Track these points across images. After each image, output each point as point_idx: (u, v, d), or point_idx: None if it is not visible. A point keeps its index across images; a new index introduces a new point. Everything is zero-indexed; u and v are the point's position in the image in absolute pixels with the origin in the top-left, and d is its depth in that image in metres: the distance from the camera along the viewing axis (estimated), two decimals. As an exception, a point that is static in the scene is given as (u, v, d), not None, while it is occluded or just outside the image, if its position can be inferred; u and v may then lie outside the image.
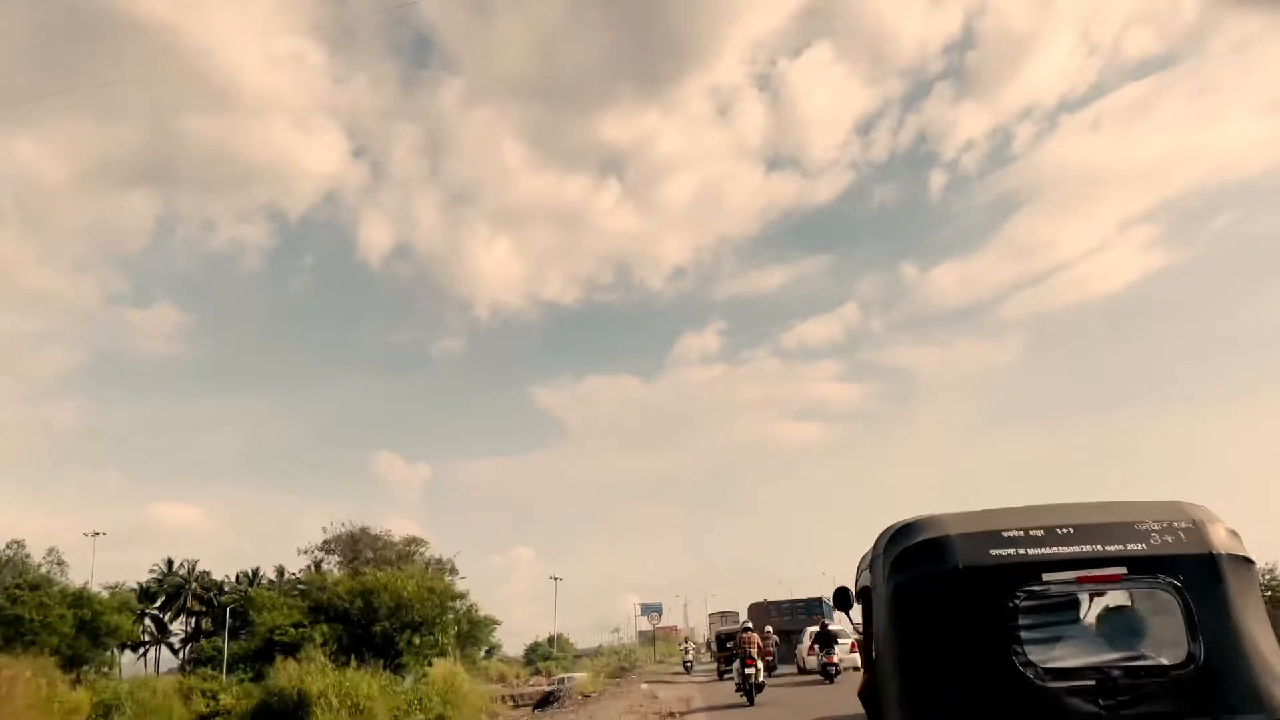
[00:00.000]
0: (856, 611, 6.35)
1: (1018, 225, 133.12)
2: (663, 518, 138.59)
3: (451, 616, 44.35)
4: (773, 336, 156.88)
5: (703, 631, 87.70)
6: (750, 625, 26.81)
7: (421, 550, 78.24)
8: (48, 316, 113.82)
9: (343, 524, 76.91)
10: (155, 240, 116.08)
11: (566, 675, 56.04)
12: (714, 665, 42.29)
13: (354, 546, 77.22)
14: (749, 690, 22.35)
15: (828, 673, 26.56)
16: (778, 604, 46.97)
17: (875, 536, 5.43)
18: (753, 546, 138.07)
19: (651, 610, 77.65)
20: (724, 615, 57.55)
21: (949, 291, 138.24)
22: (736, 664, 23.40)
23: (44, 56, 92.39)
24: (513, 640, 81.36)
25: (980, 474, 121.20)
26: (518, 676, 67.22)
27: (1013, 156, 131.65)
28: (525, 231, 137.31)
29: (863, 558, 5.80)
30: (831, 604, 6.74)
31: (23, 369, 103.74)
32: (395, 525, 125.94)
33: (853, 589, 6.21)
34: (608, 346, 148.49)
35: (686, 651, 53.01)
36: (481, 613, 73.75)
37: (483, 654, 72.17)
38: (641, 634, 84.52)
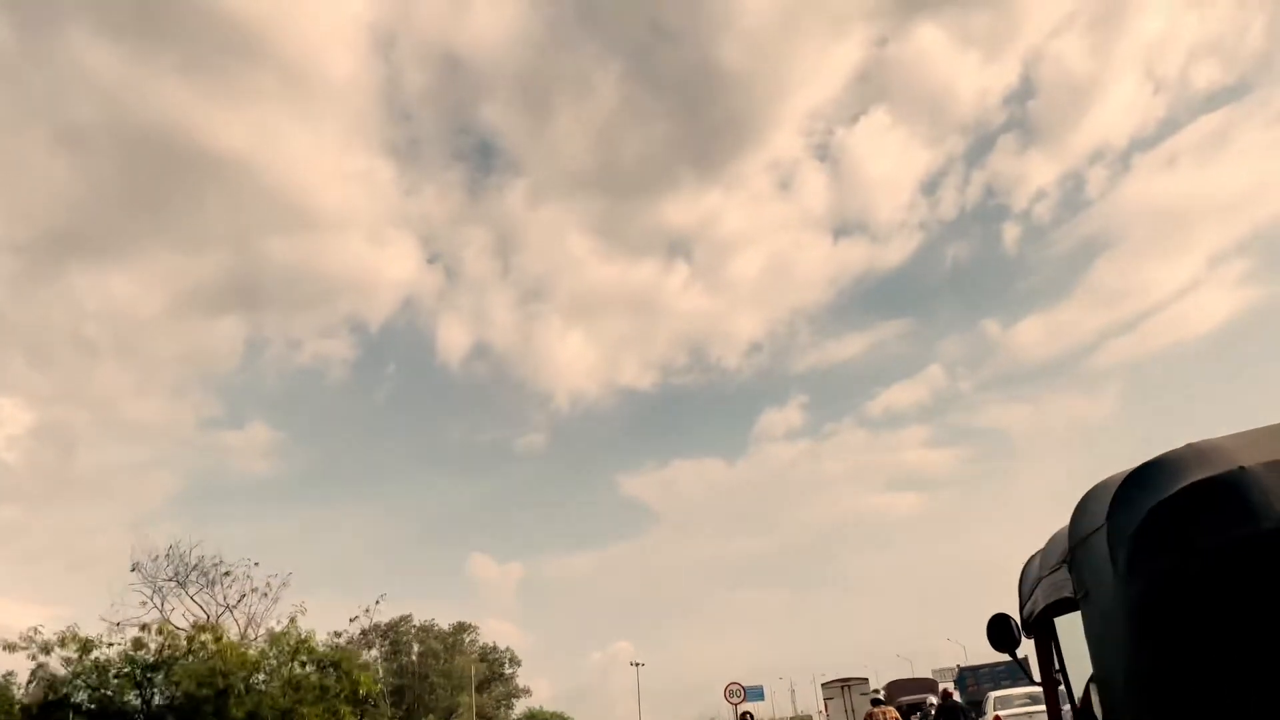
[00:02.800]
0: (1027, 651, 4.19)
1: (1101, 271, 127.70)
2: (760, 601, 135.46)
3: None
4: (856, 406, 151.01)
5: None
6: (882, 698, 21.76)
7: (472, 637, 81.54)
8: (148, 444, 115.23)
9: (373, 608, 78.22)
10: (245, 362, 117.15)
11: None
12: None
13: (396, 636, 79.53)
14: None
15: None
16: (974, 669, 43.98)
17: (1048, 538, 3.42)
18: (857, 624, 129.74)
19: (753, 696, 71.26)
20: (846, 684, 41.06)
21: (1036, 345, 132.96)
22: None
23: (132, 194, 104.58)
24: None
25: None
26: None
27: (1088, 201, 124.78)
28: (598, 321, 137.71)
29: (1033, 562, 3.65)
30: (990, 640, 4.05)
31: (127, 497, 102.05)
32: (492, 627, 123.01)
33: (1018, 616, 3.93)
34: (689, 429, 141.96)
35: None
36: (555, 710, 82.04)
37: None
38: None
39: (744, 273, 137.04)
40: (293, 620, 32.87)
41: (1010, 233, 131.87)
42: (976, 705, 32.24)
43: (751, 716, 23.00)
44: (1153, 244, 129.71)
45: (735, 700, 32.96)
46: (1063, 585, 2.88)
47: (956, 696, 26.19)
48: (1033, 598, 3.53)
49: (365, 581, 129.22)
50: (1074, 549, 2.70)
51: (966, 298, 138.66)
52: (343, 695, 32.55)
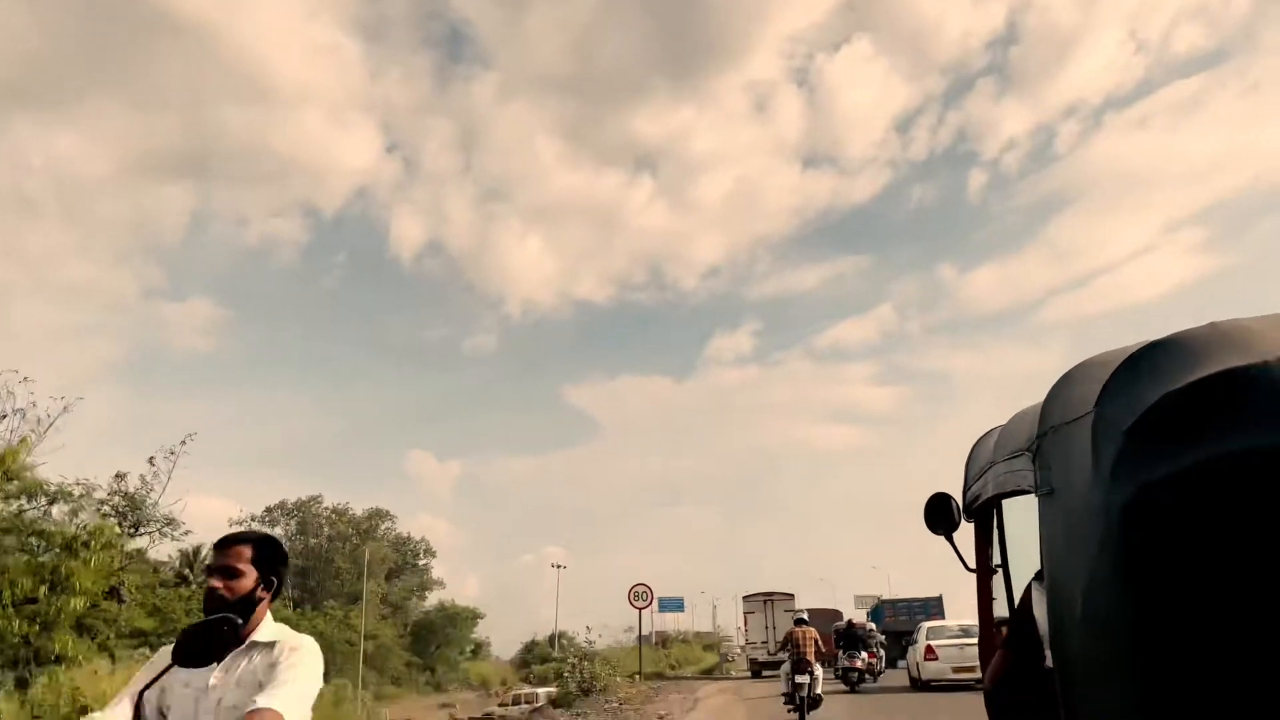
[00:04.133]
0: (963, 538, 3.60)
1: (1060, 227, 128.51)
2: (694, 519, 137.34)
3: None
4: (806, 338, 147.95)
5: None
6: (805, 618, 19.57)
7: (387, 525, 77.68)
8: (86, 309, 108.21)
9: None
10: (191, 235, 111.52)
11: (531, 690, 40.45)
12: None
13: (303, 518, 75.45)
14: (800, 704, 16.81)
15: (849, 679, 22.48)
16: (893, 602, 45.39)
17: (973, 442, 3.27)
18: (785, 549, 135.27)
19: (672, 606, 65.33)
20: (769, 598, 38.26)
21: (987, 294, 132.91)
22: (785, 668, 17.70)
23: (86, 50, 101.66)
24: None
25: None
26: (503, 684, 63.34)
27: (1056, 156, 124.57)
28: (558, 229, 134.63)
29: (985, 441, 3.15)
30: (927, 521, 3.46)
31: (61, 362, 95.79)
32: (425, 523, 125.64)
33: (959, 499, 3.47)
34: (640, 346, 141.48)
35: (725, 657, 48.32)
36: (463, 606, 79.23)
37: (465, 653, 74.71)
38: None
39: (709, 194, 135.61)
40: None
41: (976, 180, 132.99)
42: (894, 635, 34.92)
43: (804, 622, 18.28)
44: (1113, 204, 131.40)
45: (640, 604, 29.19)
46: (1020, 476, 2.39)
47: (871, 626, 28.73)
48: (980, 481, 3.06)
49: (303, 469, 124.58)
50: (1041, 437, 2.17)
51: (926, 240, 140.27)
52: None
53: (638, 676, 28.47)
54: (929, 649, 23.57)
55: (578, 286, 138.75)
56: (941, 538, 3.50)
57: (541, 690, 34.51)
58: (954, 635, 23.85)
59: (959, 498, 3.46)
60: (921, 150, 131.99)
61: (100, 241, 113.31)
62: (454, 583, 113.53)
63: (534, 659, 69.20)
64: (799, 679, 16.68)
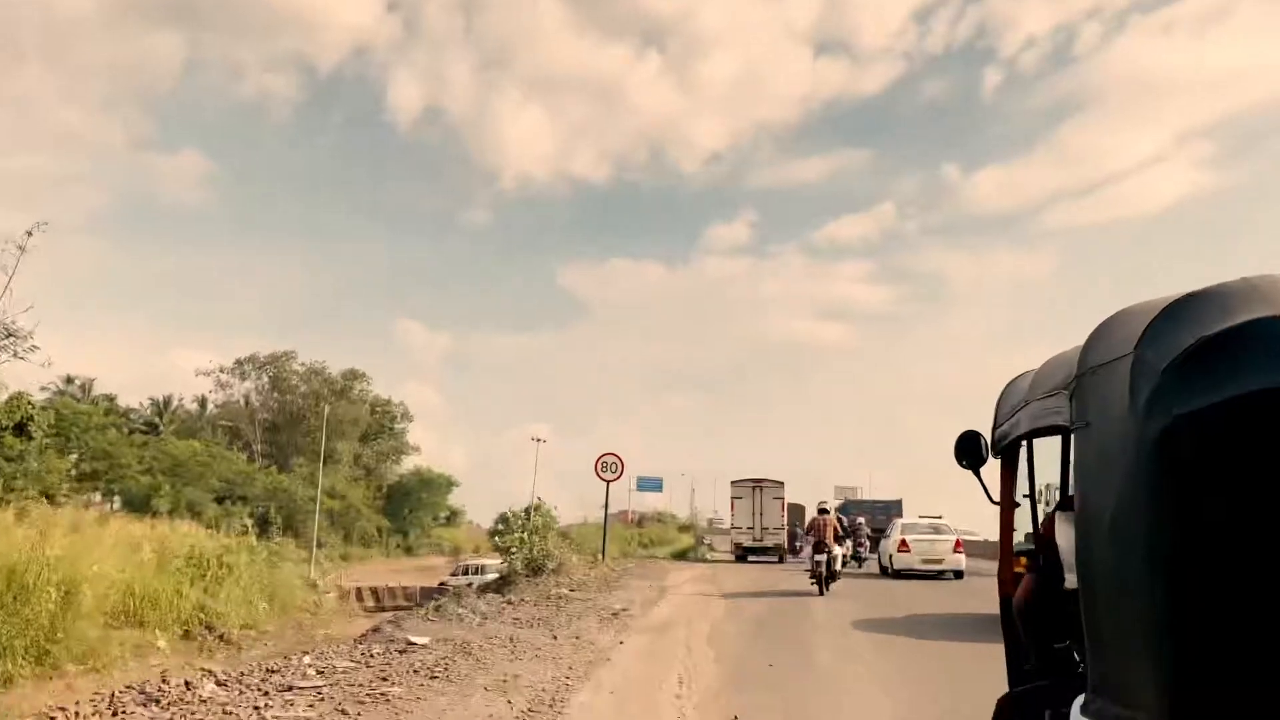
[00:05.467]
0: (989, 473, 3.98)
1: (1071, 131, 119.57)
2: (679, 407, 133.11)
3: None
4: (803, 232, 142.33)
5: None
6: (827, 508, 22.55)
7: (363, 386, 74.52)
8: (72, 157, 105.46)
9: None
10: (182, 84, 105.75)
11: (478, 562, 41.01)
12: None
13: (277, 372, 72.19)
14: (821, 578, 19.68)
15: (818, 575, 20.40)
16: (859, 502, 46.02)
17: (1000, 396, 3.68)
18: (770, 439, 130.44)
19: (650, 486, 63.76)
20: (759, 484, 37.70)
21: (990, 197, 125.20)
22: (808, 549, 21.68)
23: None
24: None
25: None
26: (475, 550, 62.44)
27: (1074, 58, 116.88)
28: (558, 101, 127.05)
29: (1017, 384, 3.56)
30: (957, 456, 3.90)
31: (46, 209, 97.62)
32: (413, 391, 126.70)
33: (988, 436, 3.82)
34: (635, 229, 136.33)
35: (702, 540, 46.93)
36: (438, 471, 76.80)
37: (439, 519, 73.82)
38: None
39: (716, 75, 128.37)
40: None
41: (991, 78, 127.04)
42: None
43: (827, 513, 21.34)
44: (1127, 112, 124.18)
45: (609, 475, 26.27)
46: (1055, 412, 2.83)
47: (861, 520, 31.04)
48: (1012, 420, 3.51)
49: (291, 328, 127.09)
50: (1080, 377, 2.54)
51: (933, 138, 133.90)
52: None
53: (600, 557, 25.69)
54: (902, 543, 25.81)
55: (575, 163, 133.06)
56: (969, 472, 3.90)
57: (492, 562, 32.03)
58: (925, 531, 26.62)
59: (987, 435, 3.81)
60: (938, 43, 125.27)
61: (87, 87, 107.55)
62: (439, 452, 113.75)
63: (507, 529, 69.73)
64: (819, 558, 19.84)
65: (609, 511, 30.40)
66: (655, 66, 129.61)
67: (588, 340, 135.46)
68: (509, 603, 13.25)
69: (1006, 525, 3.85)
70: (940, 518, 54.24)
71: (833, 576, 20.23)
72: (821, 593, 19.44)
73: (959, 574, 25.24)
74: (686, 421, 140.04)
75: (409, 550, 68.89)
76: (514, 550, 19.87)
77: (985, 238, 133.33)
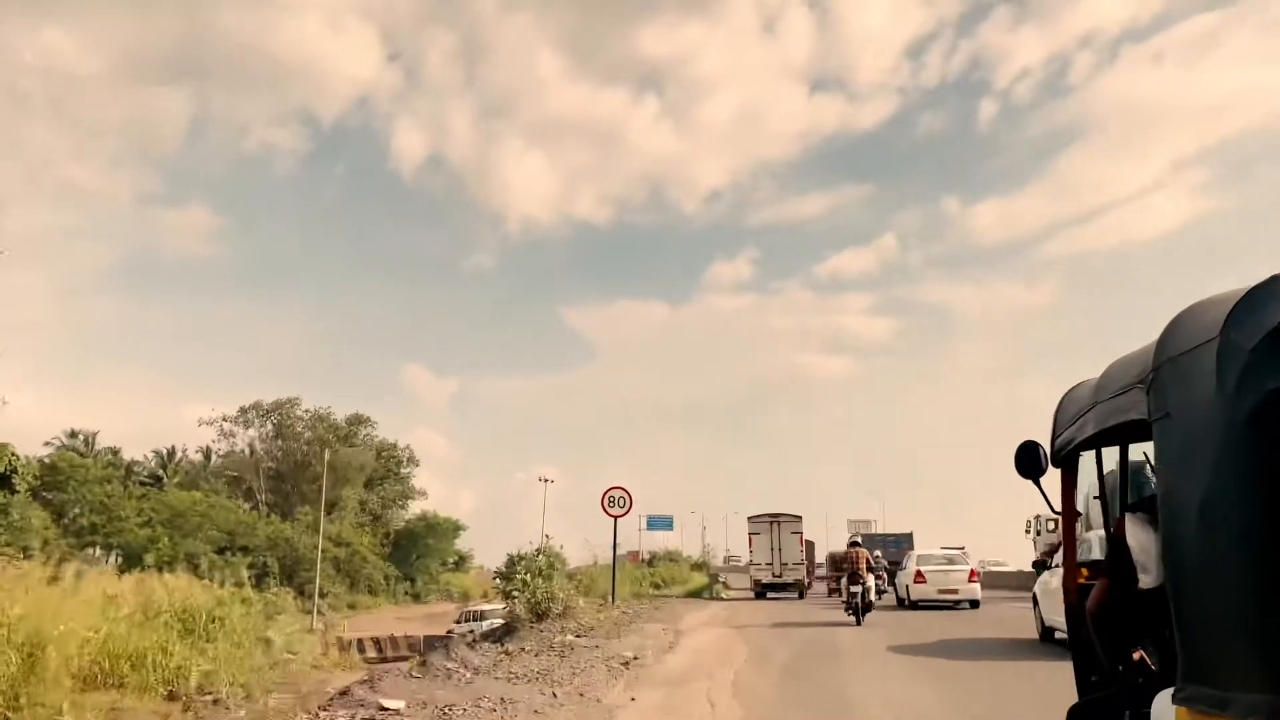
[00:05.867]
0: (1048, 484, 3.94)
1: (1069, 161, 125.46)
2: (688, 444, 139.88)
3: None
4: (806, 266, 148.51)
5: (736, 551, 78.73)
6: (859, 541, 23.52)
7: (368, 431, 73.41)
8: (81, 212, 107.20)
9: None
10: (188, 140, 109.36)
11: (477, 609, 40.08)
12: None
13: (280, 419, 71.10)
14: (857, 609, 20.38)
15: (853, 606, 20.72)
16: (870, 536, 44.81)
17: (1057, 403, 3.76)
18: (777, 474, 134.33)
19: (660, 524, 61.98)
20: (776, 519, 37.54)
21: (991, 228, 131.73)
22: (844, 580, 22.04)
23: None
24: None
25: (1011, 417, 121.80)
26: (484, 595, 58.81)
27: (1069, 87, 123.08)
28: (559, 146, 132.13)
29: (1076, 392, 3.64)
30: (1018, 466, 3.87)
31: (56, 264, 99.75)
32: (421, 438, 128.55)
33: (1047, 446, 3.83)
34: (638, 269, 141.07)
35: (716, 578, 45.38)
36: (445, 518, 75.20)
37: (447, 565, 71.90)
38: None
39: (715, 116, 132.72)
40: None
41: (987, 110, 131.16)
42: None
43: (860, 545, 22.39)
44: (1122, 140, 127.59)
45: (616, 511, 24.98)
46: (1131, 407, 2.83)
47: (878, 554, 30.01)
48: (1075, 425, 3.53)
49: (299, 379, 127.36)
50: (1157, 369, 2.60)
51: (932, 171, 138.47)
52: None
53: (609, 599, 24.28)
54: (919, 574, 26.20)
55: (577, 206, 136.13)
56: (1028, 483, 3.89)
57: (495, 608, 30.60)
58: (939, 562, 26.93)
59: (1046, 446, 3.82)
60: (933, 77, 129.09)
61: (96, 144, 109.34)
62: (448, 497, 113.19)
63: (510, 573, 67.90)
64: (855, 589, 20.57)
65: (619, 551, 29.11)
66: (653, 109, 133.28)
67: (594, 381, 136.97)
68: (506, 653, 11.92)
69: (1069, 534, 4.01)
70: (963, 548, 53.78)
71: (868, 607, 20.87)
72: (859, 623, 19.92)
73: (975, 603, 25.59)
74: (695, 459, 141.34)
75: (417, 597, 67.29)
76: (516, 595, 18.52)
77: (987, 269, 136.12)
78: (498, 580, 25.03)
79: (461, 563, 74.25)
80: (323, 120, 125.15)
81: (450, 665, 10.38)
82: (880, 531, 50.32)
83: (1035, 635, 15.87)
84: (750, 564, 39.12)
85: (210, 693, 19.36)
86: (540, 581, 18.11)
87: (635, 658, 12.20)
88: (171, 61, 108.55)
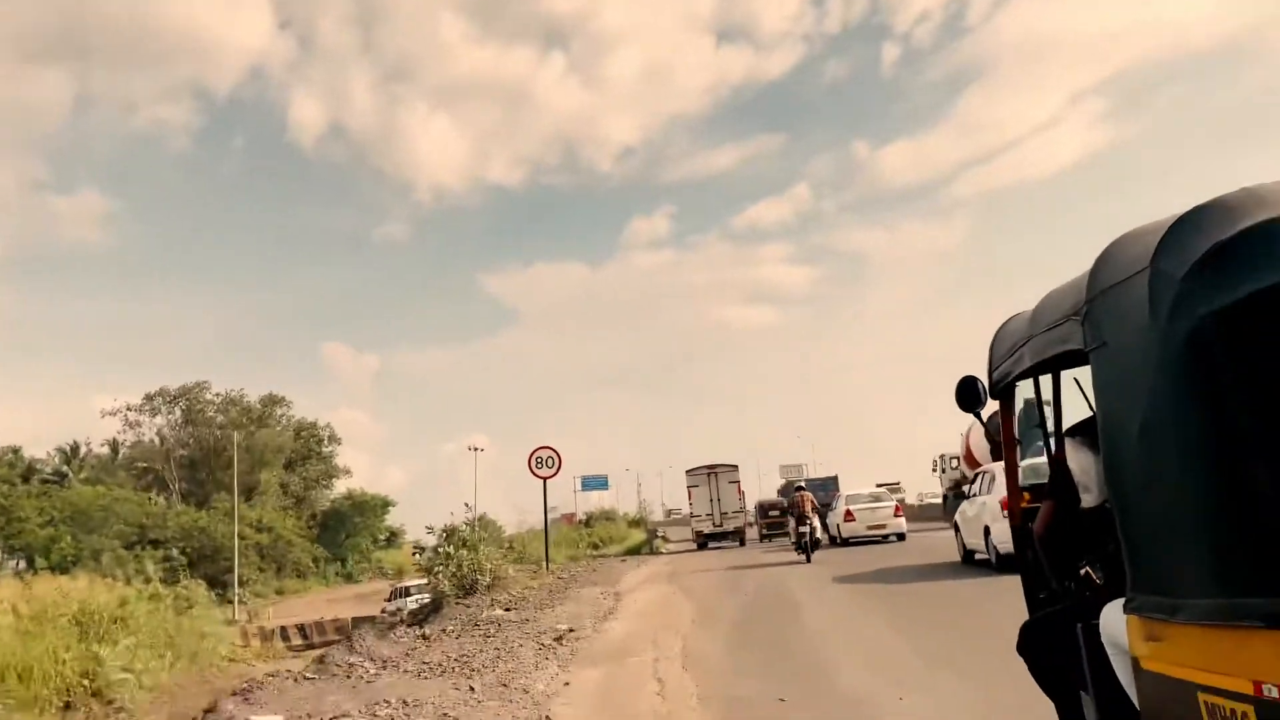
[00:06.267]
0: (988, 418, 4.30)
1: (971, 100, 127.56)
2: (617, 403, 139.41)
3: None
4: (723, 219, 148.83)
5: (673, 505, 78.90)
6: (803, 485, 27.08)
7: (284, 412, 70.12)
8: None
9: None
10: (73, 121, 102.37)
11: (405, 585, 38.16)
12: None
13: (189, 405, 67.46)
14: (806, 548, 22.08)
15: (802, 545, 22.66)
16: (808, 481, 46.99)
17: (991, 334, 3.91)
18: (709, 426, 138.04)
19: (595, 484, 65.58)
20: (713, 470, 38.23)
21: (900, 171, 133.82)
22: (792, 522, 24.16)
23: None
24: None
25: (929, 355, 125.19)
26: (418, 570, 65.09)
27: (967, 28, 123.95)
28: (466, 110, 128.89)
29: (1011, 325, 3.77)
30: (959, 401, 4.06)
31: None
32: (346, 416, 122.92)
33: (985, 379, 3.99)
34: (556, 231, 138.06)
35: (655, 533, 45.23)
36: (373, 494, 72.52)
37: (379, 542, 69.64)
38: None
39: (622, 71, 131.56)
40: None
41: (889, 54, 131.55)
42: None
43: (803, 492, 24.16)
44: (1021, 77, 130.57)
45: (544, 472, 23.55)
46: (1069, 338, 2.91)
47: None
48: (1012, 358, 3.64)
49: (213, 365, 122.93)
50: (1090, 301, 2.71)
51: (841, 117, 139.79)
52: None
53: (544, 565, 22.87)
54: (848, 513, 28.05)
55: (489, 170, 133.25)
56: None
57: (421, 583, 28.97)
58: (867, 501, 28.63)
59: (984, 378, 3.99)
60: (835, 24, 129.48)
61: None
62: (378, 475, 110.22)
63: (441, 546, 66.37)
64: (802, 529, 22.39)
65: (552, 514, 27.97)
66: (560, 67, 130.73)
67: (519, 346, 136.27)
68: (424, 638, 10.41)
69: (1011, 462, 4.18)
70: (898, 483, 54.36)
71: (815, 544, 22.59)
72: (808, 560, 21.42)
73: (901, 536, 27.29)
74: (626, 417, 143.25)
75: (350, 577, 65.20)
76: (438, 570, 16.91)
77: (899, 211, 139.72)
78: (416, 555, 23.47)
79: (394, 539, 71.99)
80: (215, 93, 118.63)
81: (353, 659, 8.84)
82: (809, 476, 53.18)
83: (958, 558, 17.54)
84: (690, 516, 39.34)
85: (113, 700, 17.47)
86: (465, 553, 16.55)
87: (570, 630, 10.79)
88: (49, 39, 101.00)
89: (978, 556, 16.35)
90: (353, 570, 65.99)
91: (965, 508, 17.56)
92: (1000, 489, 14.92)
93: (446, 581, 16.28)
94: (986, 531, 15.53)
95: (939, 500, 41.26)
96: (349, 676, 7.99)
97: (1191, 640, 2.23)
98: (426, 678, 7.78)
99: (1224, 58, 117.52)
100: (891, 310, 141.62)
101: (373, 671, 8.17)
